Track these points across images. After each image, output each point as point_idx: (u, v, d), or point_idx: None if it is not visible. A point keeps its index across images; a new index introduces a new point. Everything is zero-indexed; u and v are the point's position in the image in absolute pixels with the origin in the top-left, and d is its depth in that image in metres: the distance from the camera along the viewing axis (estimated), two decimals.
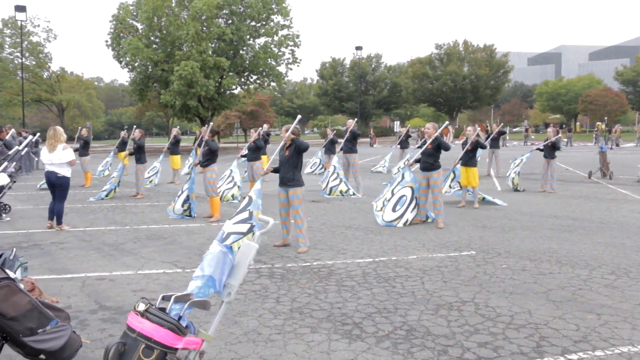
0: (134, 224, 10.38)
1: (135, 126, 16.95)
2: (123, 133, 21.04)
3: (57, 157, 9.37)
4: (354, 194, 13.88)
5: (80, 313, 5.28)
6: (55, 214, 9.75)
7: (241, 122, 65.15)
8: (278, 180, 8.22)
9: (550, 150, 14.66)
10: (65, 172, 9.50)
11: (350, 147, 14.49)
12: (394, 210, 9.96)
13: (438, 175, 9.90)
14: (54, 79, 55.86)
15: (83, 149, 17.82)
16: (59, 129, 9.67)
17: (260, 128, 15.30)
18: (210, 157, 10.60)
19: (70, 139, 18.44)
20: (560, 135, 15.16)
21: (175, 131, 19.22)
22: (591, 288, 5.94)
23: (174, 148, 18.52)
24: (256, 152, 13.71)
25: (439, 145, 9.91)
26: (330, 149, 18.57)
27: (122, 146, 20.07)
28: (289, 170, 7.99)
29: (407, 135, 22.73)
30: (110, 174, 19.36)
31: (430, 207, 10.11)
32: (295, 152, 7.95)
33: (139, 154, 14.47)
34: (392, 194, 10.13)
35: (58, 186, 9.57)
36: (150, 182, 17.64)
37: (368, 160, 28.49)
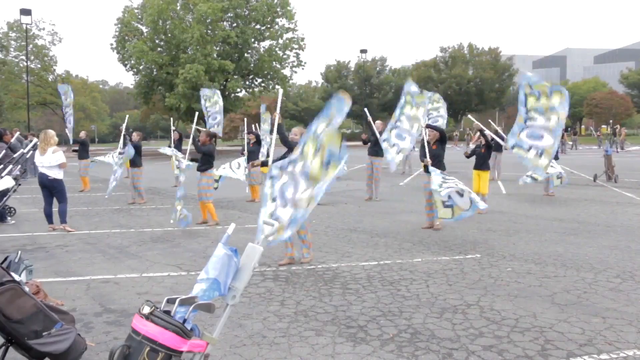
0: (139, 226, 10.40)
1: (125, 129, 16.44)
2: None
3: (47, 160, 9.51)
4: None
5: (85, 316, 5.29)
6: (59, 213, 9.85)
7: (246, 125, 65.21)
8: None
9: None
10: (56, 174, 9.65)
11: (377, 150, 14.21)
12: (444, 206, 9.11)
13: None
14: (59, 82, 56.04)
15: (82, 152, 17.37)
16: (50, 132, 9.83)
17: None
18: (207, 161, 10.36)
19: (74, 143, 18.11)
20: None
21: (175, 135, 19.09)
22: (596, 291, 5.93)
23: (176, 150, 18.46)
24: (254, 155, 13.52)
25: (442, 140, 9.84)
26: None
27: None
28: None
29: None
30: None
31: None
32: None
33: (135, 157, 13.92)
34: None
35: (52, 188, 9.76)
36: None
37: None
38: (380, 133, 13.96)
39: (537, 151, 8.38)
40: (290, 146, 7.47)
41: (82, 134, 18.17)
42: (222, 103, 14.17)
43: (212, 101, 14.29)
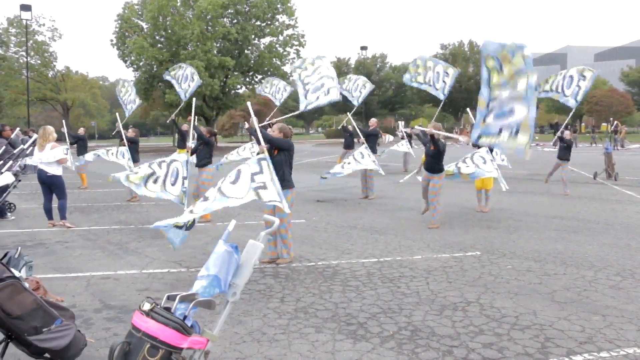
0: (139, 223, 10.40)
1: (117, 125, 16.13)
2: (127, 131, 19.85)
3: (46, 156, 9.48)
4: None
5: (85, 312, 5.29)
6: (58, 209, 9.85)
7: (246, 122, 65.15)
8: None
9: (565, 151, 14.60)
10: (54, 170, 9.61)
11: (372, 146, 14.25)
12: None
13: (439, 179, 9.80)
14: (59, 78, 56.03)
15: (80, 148, 17.23)
16: (49, 128, 9.82)
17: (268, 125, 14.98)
18: (206, 155, 10.28)
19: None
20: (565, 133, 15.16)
21: (185, 127, 19.06)
22: (596, 289, 5.93)
23: (181, 143, 18.44)
24: None
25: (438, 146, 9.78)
26: (350, 144, 17.94)
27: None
28: (279, 170, 7.02)
29: (409, 136, 22.47)
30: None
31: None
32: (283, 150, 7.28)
33: (133, 153, 13.89)
34: None
35: (51, 185, 9.72)
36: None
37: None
38: (377, 131, 14.08)
39: (511, 130, 6.48)
40: (268, 140, 7.12)
41: (81, 130, 18.03)
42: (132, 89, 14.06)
43: (124, 92, 14.26)
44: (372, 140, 14.17)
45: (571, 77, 12.53)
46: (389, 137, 26.47)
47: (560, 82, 12.70)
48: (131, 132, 14.33)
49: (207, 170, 10.38)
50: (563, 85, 12.54)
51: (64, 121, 18.75)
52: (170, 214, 11.06)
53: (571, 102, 12.42)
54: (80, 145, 17.34)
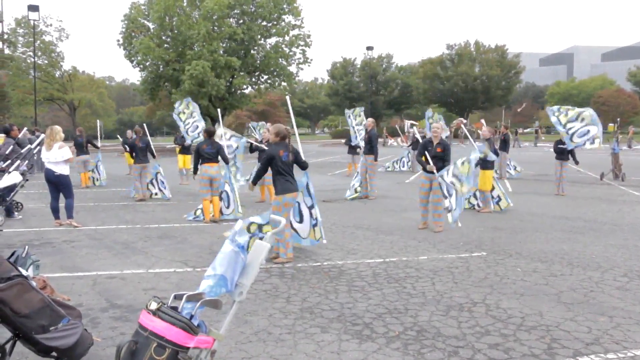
0: (145, 222, 10.42)
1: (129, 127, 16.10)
2: (130, 133, 18.59)
3: (53, 155, 9.52)
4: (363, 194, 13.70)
5: (92, 311, 5.31)
6: (65, 208, 9.92)
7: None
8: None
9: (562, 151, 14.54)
10: (62, 170, 9.65)
11: (369, 148, 14.25)
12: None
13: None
14: (66, 78, 56.15)
15: (78, 149, 17.19)
16: (56, 127, 9.87)
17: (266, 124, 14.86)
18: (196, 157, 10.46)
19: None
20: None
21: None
22: (603, 290, 5.90)
23: (185, 149, 18.44)
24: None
25: (446, 150, 9.63)
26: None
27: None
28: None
29: (414, 136, 22.54)
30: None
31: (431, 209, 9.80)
32: (295, 159, 7.80)
33: (142, 154, 13.95)
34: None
35: (58, 184, 9.77)
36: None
37: (379, 159, 28.36)
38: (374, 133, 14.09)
39: (590, 140, 12.80)
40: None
41: (78, 131, 17.89)
42: (197, 109, 14.16)
43: (187, 113, 14.25)
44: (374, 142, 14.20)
45: (588, 130, 12.92)
46: (392, 141, 26.35)
47: (576, 128, 13.02)
48: (131, 133, 14.17)
49: (214, 165, 10.51)
50: (574, 134, 13.03)
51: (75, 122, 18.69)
52: (176, 214, 11.10)
53: (574, 144, 13.27)
54: (78, 146, 17.24)
